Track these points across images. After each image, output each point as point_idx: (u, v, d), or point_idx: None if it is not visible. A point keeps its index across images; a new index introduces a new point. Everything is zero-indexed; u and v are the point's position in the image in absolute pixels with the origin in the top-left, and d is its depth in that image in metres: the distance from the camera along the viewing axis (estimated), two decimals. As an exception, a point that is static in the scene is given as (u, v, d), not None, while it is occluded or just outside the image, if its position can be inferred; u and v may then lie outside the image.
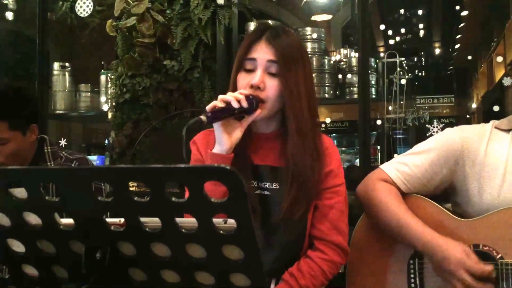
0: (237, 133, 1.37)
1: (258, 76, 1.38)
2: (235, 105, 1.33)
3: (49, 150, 1.92)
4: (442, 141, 1.56)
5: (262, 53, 1.40)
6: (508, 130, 1.53)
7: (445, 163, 1.53)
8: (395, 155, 4.52)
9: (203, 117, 1.29)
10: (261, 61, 1.40)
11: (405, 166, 1.56)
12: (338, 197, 1.45)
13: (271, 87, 1.39)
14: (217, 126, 1.35)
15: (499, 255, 1.41)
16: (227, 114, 1.34)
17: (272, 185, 1.43)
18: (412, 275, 1.52)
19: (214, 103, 1.33)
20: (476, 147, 1.52)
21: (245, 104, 1.34)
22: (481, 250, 1.43)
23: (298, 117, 1.40)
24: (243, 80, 1.41)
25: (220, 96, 1.35)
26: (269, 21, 3.75)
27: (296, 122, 1.40)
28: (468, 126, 1.59)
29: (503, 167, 1.47)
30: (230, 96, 1.34)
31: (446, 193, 1.60)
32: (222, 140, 1.35)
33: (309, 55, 3.92)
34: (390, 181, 1.56)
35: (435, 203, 1.53)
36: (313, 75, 3.74)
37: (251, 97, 1.36)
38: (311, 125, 1.42)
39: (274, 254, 1.39)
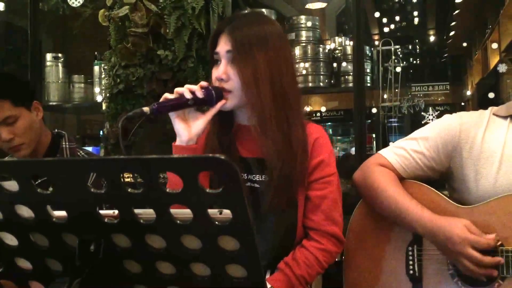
0: (198, 124, 1.38)
1: (220, 68, 1.39)
2: (188, 95, 1.33)
3: (67, 146, 1.93)
4: (441, 127, 1.57)
5: (223, 44, 1.40)
6: (506, 117, 1.53)
7: (443, 149, 1.54)
8: (390, 143, 4.53)
9: (145, 109, 1.28)
10: (222, 53, 1.40)
11: (404, 151, 1.57)
12: (330, 187, 1.44)
13: (234, 76, 1.38)
14: (172, 118, 1.37)
15: (499, 242, 1.41)
16: (179, 105, 1.34)
17: (262, 177, 1.42)
18: (410, 262, 1.53)
19: (165, 95, 1.35)
20: (474, 133, 1.52)
21: (200, 94, 1.34)
22: None
23: (256, 104, 1.37)
24: (213, 74, 1.43)
25: (176, 89, 1.36)
26: (264, 11, 3.72)
27: (255, 110, 1.39)
28: (467, 112, 1.60)
29: (500, 154, 1.47)
30: (184, 88, 1.35)
31: (444, 178, 1.61)
32: (180, 132, 1.38)
33: (304, 44, 3.91)
34: (389, 166, 1.56)
35: (433, 189, 1.54)
36: (307, 64, 3.74)
37: (210, 87, 1.37)
38: (276, 114, 1.38)
39: (266, 246, 1.39)
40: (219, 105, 1.38)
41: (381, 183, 1.52)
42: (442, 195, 1.52)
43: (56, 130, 1.96)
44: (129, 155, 2.87)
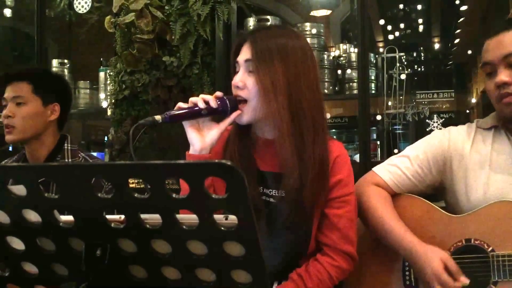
0: (212, 134, 1.38)
1: (238, 76, 1.40)
2: (201, 105, 1.34)
3: (69, 147, 1.95)
4: (431, 143, 1.61)
5: (243, 54, 1.41)
6: (489, 128, 1.56)
7: (434, 164, 1.57)
8: (395, 150, 4.52)
9: (157, 117, 1.29)
10: (241, 62, 1.41)
11: (396, 168, 1.60)
12: (348, 207, 1.43)
13: (250, 85, 1.37)
14: (186, 127, 1.38)
15: (490, 248, 1.44)
16: (192, 115, 1.35)
17: (277, 193, 1.41)
18: (407, 273, 1.55)
19: (179, 104, 1.36)
20: (462, 147, 1.56)
21: (213, 104, 1.35)
22: (473, 244, 1.46)
23: (273, 114, 1.36)
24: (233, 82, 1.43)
25: (191, 98, 1.36)
26: (269, 18, 3.74)
27: (271, 121, 1.38)
28: (455, 127, 1.63)
29: (487, 165, 1.51)
30: (198, 98, 1.35)
31: (438, 193, 1.64)
32: (193, 141, 1.38)
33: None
34: (383, 184, 1.59)
35: (427, 201, 1.57)
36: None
37: (225, 97, 1.37)
38: (291, 127, 1.36)
39: (277, 260, 1.39)
40: (233, 116, 1.37)
41: (372, 204, 1.54)
42: (435, 206, 1.55)
43: (61, 133, 1.99)
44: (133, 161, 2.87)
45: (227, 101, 1.37)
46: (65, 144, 1.95)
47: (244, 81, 1.38)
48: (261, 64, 1.36)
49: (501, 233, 1.44)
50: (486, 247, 1.44)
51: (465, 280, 1.38)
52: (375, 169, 1.64)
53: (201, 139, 1.37)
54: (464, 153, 1.54)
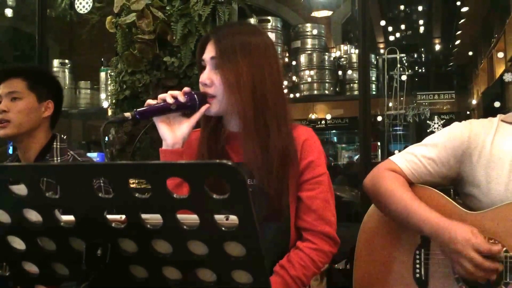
0: (183, 128, 1.41)
1: (204, 74, 1.44)
2: (170, 100, 1.38)
3: (58, 146, 1.97)
4: (450, 133, 1.59)
5: (208, 52, 1.45)
6: None
7: (452, 154, 1.56)
8: (396, 151, 4.52)
9: (127, 114, 1.33)
10: (207, 59, 1.45)
11: (414, 157, 1.59)
12: (321, 187, 1.45)
13: (217, 81, 1.42)
14: (156, 122, 1.41)
15: (504, 249, 1.41)
16: (162, 110, 1.38)
17: (252, 181, 1.43)
18: (417, 265, 1.54)
19: (148, 101, 1.39)
20: (483, 138, 1.54)
21: (182, 99, 1.39)
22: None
23: (238, 109, 1.41)
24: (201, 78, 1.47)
25: (159, 95, 1.40)
26: (270, 18, 3.74)
27: (237, 115, 1.42)
28: (476, 120, 1.62)
29: (510, 159, 1.49)
30: (166, 94, 1.39)
31: (455, 184, 1.62)
32: (165, 136, 1.41)
33: (309, 52, 3.92)
34: (399, 171, 1.58)
35: (442, 193, 1.55)
36: (312, 71, 3.75)
37: (193, 92, 1.42)
38: (255, 120, 1.41)
39: None
40: (202, 109, 1.42)
41: (390, 187, 1.53)
42: (451, 200, 1.53)
43: (52, 132, 2.01)
44: (133, 161, 2.88)
45: (195, 96, 1.41)
46: (54, 143, 1.97)
47: (211, 78, 1.43)
48: (225, 61, 1.41)
49: None
50: (500, 247, 1.42)
51: (497, 246, 1.37)
52: (391, 157, 1.63)
53: (172, 134, 1.41)
54: (485, 144, 1.53)
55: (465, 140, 1.55)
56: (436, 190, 1.56)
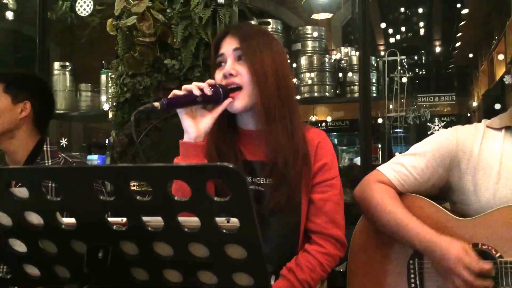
0: (206, 121, 1.39)
1: (228, 65, 1.43)
2: (196, 92, 1.35)
3: (48, 149, 1.96)
4: (437, 141, 1.59)
5: (228, 45, 1.45)
6: (500, 129, 1.55)
7: (441, 163, 1.55)
8: (396, 153, 4.52)
9: (156, 104, 1.29)
10: (228, 52, 1.44)
11: (402, 167, 1.58)
12: (333, 190, 1.46)
13: (243, 72, 1.41)
14: (180, 114, 1.38)
15: (498, 254, 1.41)
16: (188, 102, 1.36)
17: (266, 181, 1.43)
18: (412, 275, 1.53)
19: (174, 91, 1.36)
20: (470, 146, 1.54)
21: (208, 91, 1.36)
22: (480, 249, 1.43)
23: (263, 101, 1.40)
24: (218, 74, 1.45)
25: (184, 86, 1.37)
26: (270, 21, 3.74)
27: (261, 108, 1.40)
28: (462, 126, 1.61)
29: (497, 165, 1.49)
30: (192, 85, 1.36)
31: (443, 192, 1.62)
32: (188, 128, 1.38)
33: (309, 54, 3.93)
34: (388, 182, 1.57)
35: (433, 202, 1.54)
36: (313, 74, 3.75)
37: (217, 85, 1.39)
38: (281, 112, 1.41)
39: (269, 247, 1.39)
40: (226, 103, 1.39)
41: (381, 200, 1.53)
42: (442, 208, 1.53)
43: (40, 136, 2.00)
44: (135, 163, 2.88)
45: (220, 89, 1.38)
46: (44, 146, 1.96)
47: (235, 68, 1.42)
48: (250, 50, 1.42)
49: (509, 239, 1.40)
50: (494, 252, 1.42)
51: (487, 264, 1.36)
52: (379, 168, 1.62)
53: (196, 127, 1.38)
54: (473, 151, 1.52)
55: (453, 148, 1.55)
56: (426, 199, 1.55)
